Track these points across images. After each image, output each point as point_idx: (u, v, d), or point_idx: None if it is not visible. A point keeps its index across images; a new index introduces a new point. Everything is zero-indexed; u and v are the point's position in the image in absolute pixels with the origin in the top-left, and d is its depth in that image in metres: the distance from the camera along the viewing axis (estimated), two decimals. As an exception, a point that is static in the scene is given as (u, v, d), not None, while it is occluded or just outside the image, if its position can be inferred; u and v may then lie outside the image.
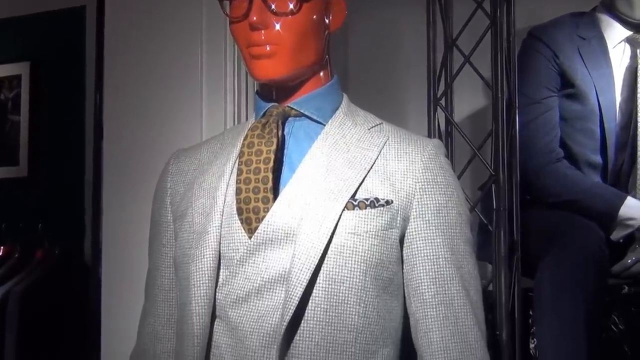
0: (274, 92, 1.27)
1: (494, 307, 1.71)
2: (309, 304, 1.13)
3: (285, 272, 1.14)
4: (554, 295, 1.73)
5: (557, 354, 1.74)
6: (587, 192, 1.98)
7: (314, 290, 1.13)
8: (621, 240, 1.99)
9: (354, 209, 1.16)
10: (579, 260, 1.76)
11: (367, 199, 1.17)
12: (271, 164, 1.19)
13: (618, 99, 2.06)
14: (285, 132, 1.25)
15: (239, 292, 1.17)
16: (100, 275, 1.81)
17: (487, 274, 1.91)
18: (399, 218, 1.18)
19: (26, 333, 2.08)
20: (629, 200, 1.97)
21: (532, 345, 1.85)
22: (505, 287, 1.71)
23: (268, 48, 1.19)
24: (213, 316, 1.18)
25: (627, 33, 2.05)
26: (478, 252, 1.99)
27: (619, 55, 2.07)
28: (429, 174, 1.21)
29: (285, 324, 1.11)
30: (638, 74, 2.03)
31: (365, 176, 1.19)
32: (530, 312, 1.85)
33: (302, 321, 1.13)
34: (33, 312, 2.13)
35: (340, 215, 1.15)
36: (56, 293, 2.20)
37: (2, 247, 2.41)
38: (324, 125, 1.25)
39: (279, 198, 1.18)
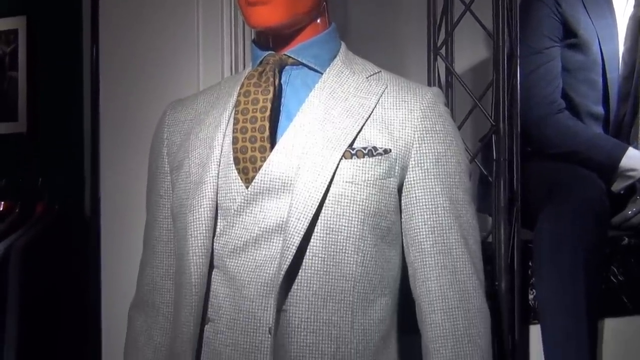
0: (271, 40, 1.25)
1: (493, 259, 1.71)
2: (307, 253, 1.13)
3: (282, 221, 1.14)
4: (553, 246, 1.73)
5: (556, 304, 1.74)
6: (588, 143, 1.97)
7: (312, 240, 1.13)
8: (622, 192, 1.98)
9: (351, 158, 1.15)
10: (579, 211, 1.75)
11: (365, 148, 1.16)
12: (268, 112, 1.18)
13: (621, 49, 2.04)
14: (282, 81, 1.24)
15: (237, 242, 1.17)
16: (100, 228, 1.82)
17: (487, 226, 1.91)
18: (397, 167, 1.17)
19: (28, 287, 2.10)
20: (631, 151, 1.95)
21: (531, 297, 1.86)
22: (505, 239, 1.70)
23: None
24: (211, 266, 1.18)
25: None
26: (478, 204, 2.00)
27: (623, 4, 2.04)
28: (428, 122, 1.20)
29: (282, 273, 1.11)
30: (642, 23, 2.01)
31: (363, 125, 1.18)
32: (530, 264, 1.85)
33: (300, 270, 1.13)
34: (35, 266, 2.14)
35: (338, 164, 1.14)
36: (57, 247, 2.21)
37: (2, 203, 2.41)
38: (322, 73, 1.24)
39: (276, 147, 1.17)
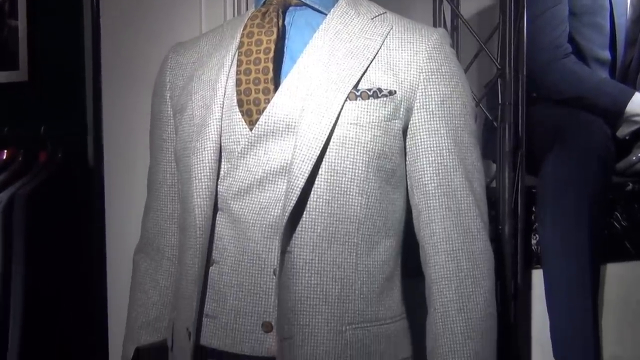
0: None
1: (497, 204, 1.71)
2: (311, 195, 1.13)
3: (286, 163, 1.14)
4: (557, 190, 1.73)
5: (559, 249, 1.75)
6: (594, 88, 1.95)
7: (316, 182, 1.13)
8: (627, 137, 1.97)
9: (356, 100, 1.14)
10: (584, 157, 1.75)
11: (369, 90, 1.15)
12: (271, 54, 1.17)
13: None
14: (285, 22, 1.22)
15: (241, 184, 1.16)
16: (103, 174, 1.82)
17: (491, 172, 1.91)
18: (402, 109, 1.16)
19: (33, 235, 2.10)
20: (637, 97, 1.94)
21: (534, 242, 1.86)
22: (509, 183, 1.70)
23: None
24: (215, 209, 1.18)
25: None
26: (483, 150, 1.98)
27: None
28: (433, 64, 1.18)
29: (287, 215, 1.11)
30: (653, -35, 1.97)
31: (368, 66, 1.16)
32: (533, 209, 1.86)
33: (304, 212, 1.13)
34: (39, 214, 2.14)
35: (343, 105, 1.13)
36: (61, 195, 2.20)
37: (5, 151, 2.40)
38: (326, 14, 1.22)
39: (279, 89, 1.16)
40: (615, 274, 1.92)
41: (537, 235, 1.85)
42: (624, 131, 1.96)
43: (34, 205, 2.13)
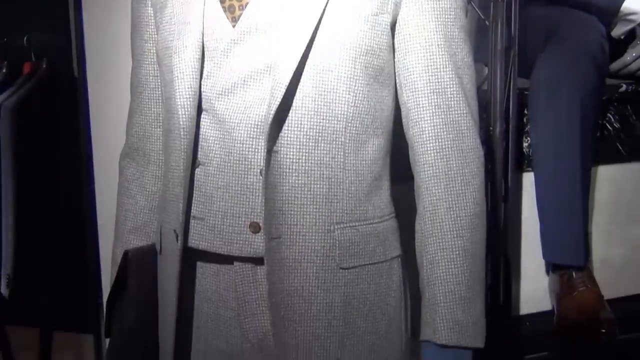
0: None
1: (489, 105, 1.68)
2: (297, 93, 1.10)
3: (271, 61, 1.10)
4: (550, 89, 1.70)
5: (551, 148, 1.74)
6: None
7: (302, 80, 1.10)
8: (622, 37, 1.93)
9: None
10: (578, 56, 1.71)
11: None
12: None
13: None
14: None
15: (224, 83, 1.13)
16: (86, 82, 1.78)
17: (483, 75, 1.87)
18: (390, 2, 1.12)
19: (21, 145, 2.09)
20: (633, -6, 1.89)
21: (525, 145, 1.85)
22: (501, 84, 1.67)
23: None
24: (199, 110, 1.16)
25: None
26: (474, 52, 1.95)
27: None
28: None
29: (272, 113, 1.08)
30: None
31: None
32: (526, 112, 1.84)
33: (291, 111, 1.10)
34: (26, 124, 2.12)
35: (328, 0, 1.09)
36: (47, 105, 2.18)
37: (-12, 63, 2.36)
38: None
39: None
40: (606, 176, 1.92)
41: (528, 138, 1.84)
42: (619, 30, 1.91)
43: (21, 115, 2.10)
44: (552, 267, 1.84)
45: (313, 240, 1.11)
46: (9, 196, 2.00)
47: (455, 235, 1.15)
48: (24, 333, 2.83)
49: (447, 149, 1.15)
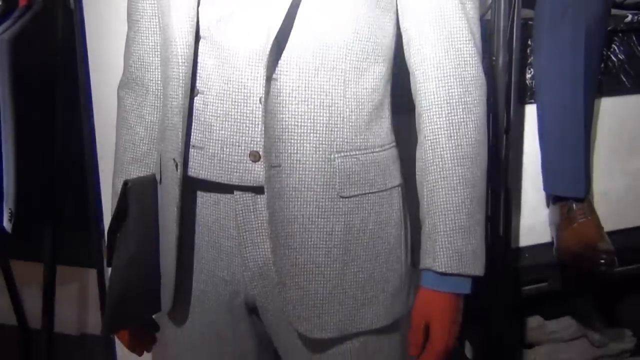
0: None
1: (492, 35, 1.66)
2: (297, 20, 1.08)
3: None
4: (555, 17, 1.67)
5: (553, 81, 1.72)
6: None
7: (302, 5, 1.08)
8: (629, -35, 1.89)
9: None
10: None
11: None
12: None
13: None
14: None
15: (222, 10, 1.11)
16: (83, 11, 1.75)
17: (487, 3, 1.84)
18: None
19: (19, 78, 2.06)
20: None
21: (528, 76, 1.83)
22: (505, 14, 1.64)
23: None
24: (197, 37, 1.14)
25: None
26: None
27: None
28: None
29: (271, 40, 1.06)
30: None
31: None
32: (529, 42, 1.81)
33: (290, 38, 1.08)
34: (24, 56, 2.09)
35: None
36: (44, 37, 2.15)
37: (-17, -4, 2.32)
38: None
39: None
40: (609, 107, 1.91)
41: (531, 70, 1.81)
42: (625, -41, 1.87)
43: (18, 48, 2.07)
44: (553, 199, 1.84)
45: (313, 169, 1.11)
46: (9, 129, 1.98)
47: (456, 164, 1.14)
48: (27, 268, 2.86)
49: (449, 77, 1.14)
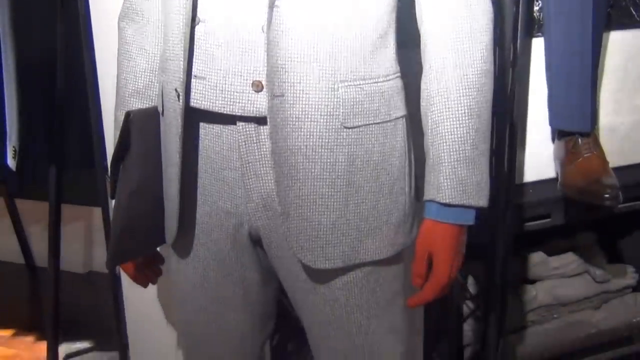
0: None
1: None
2: None
3: None
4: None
5: (561, 14, 1.68)
6: None
7: None
8: None
9: None
10: None
11: None
12: None
13: None
14: None
15: None
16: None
17: None
18: None
19: (18, 14, 2.03)
20: None
21: (536, 9, 1.79)
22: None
23: None
24: None
25: None
26: None
27: None
28: None
29: None
30: None
31: None
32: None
33: None
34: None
35: None
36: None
37: None
38: None
39: None
40: (618, 41, 1.87)
41: (539, 2, 1.78)
42: None
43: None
44: (558, 133, 1.82)
45: (317, 99, 1.10)
46: (11, 67, 1.96)
47: (461, 94, 1.12)
48: (33, 207, 2.88)
49: (454, 4, 1.12)
